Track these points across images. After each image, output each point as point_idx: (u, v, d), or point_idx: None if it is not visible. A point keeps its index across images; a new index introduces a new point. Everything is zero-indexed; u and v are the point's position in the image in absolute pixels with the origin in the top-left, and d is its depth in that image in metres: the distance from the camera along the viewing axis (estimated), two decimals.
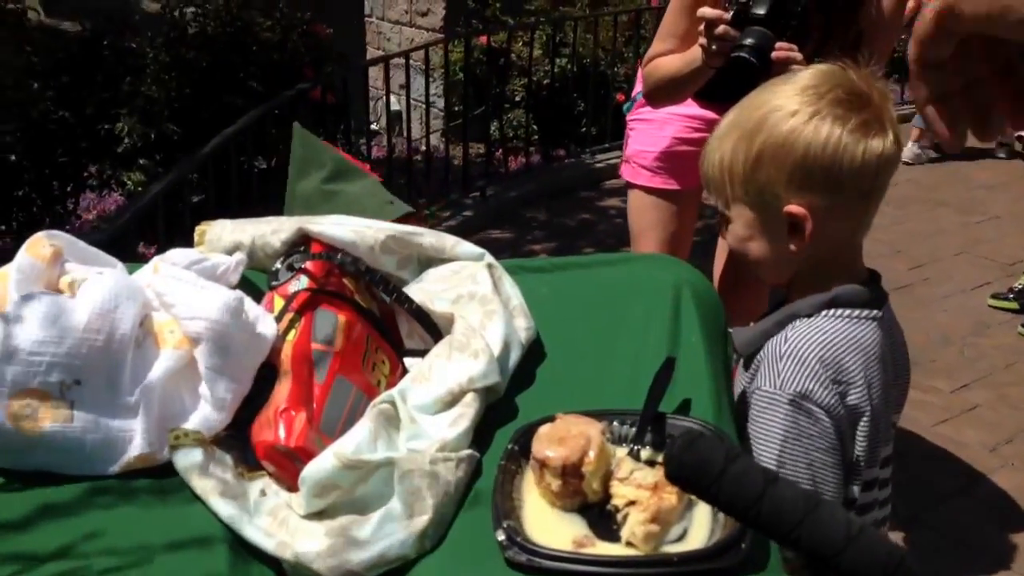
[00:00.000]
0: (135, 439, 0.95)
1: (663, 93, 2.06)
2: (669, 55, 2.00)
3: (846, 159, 1.11)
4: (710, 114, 2.10)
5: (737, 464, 0.64)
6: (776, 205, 1.15)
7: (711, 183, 1.20)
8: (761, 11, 1.75)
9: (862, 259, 1.23)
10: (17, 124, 4.48)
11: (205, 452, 0.94)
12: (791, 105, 1.13)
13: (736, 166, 1.15)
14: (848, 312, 1.17)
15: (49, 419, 0.91)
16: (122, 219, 2.47)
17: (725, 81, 1.82)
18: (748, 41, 1.73)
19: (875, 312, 1.19)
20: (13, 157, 4.36)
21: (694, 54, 1.87)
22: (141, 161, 4.49)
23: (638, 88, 2.29)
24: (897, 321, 1.24)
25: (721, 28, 1.75)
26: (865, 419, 1.14)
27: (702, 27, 1.78)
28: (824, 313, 1.16)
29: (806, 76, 1.16)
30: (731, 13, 1.77)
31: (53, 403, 0.92)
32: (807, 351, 1.12)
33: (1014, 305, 3.79)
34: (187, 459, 0.93)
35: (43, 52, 4.64)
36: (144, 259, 1.19)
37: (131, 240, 2.60)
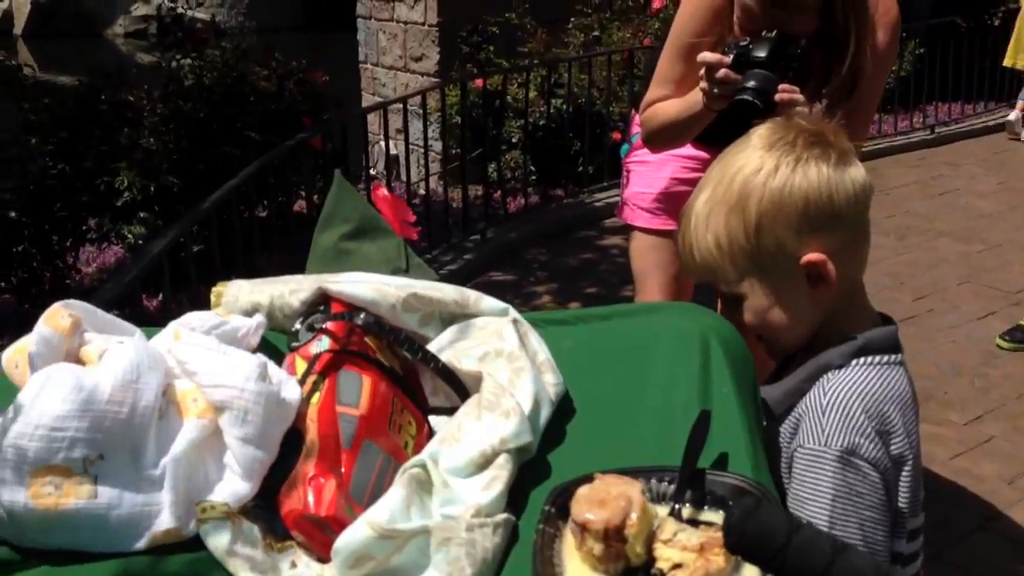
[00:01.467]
0: (161, 513, 0.92)
1: (663, 138, 2.06)
2: (667, 100, 1.99)
3: (842, 194, 1.12)
4: (707, 154, 2.10)
5: (802, 533, 0.62)
6: (790, 264, 1.13)
7: (709, 269, 1.16)
8: (762, 54, 1.76)
9: (869, 302, 1.22)
10: (16, 181, 4.48)
11: (233, 525, 0.91)
12: (770, 162, 1.12)
13: (737, 241, 1.13)
14: (879, 359, 1.15)
15: (73, 496, 0.89)
16: (128, 277, 2.45)
17: (726, 124, 1.81)
18: (751, 84, 1.74)
19: (900, 356, 1.18)
20: (13, 214, 4.35)
21: (694, 98, 1.87)
22: (141, 214, 4.48)
23: (634, 130, 2.29)
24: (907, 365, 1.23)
25: (722, 72, 1.75)
26: (907, 468, 1.12)
27: (703, 71, 1.78)
28: (856, 363, 1.14)
29: (764, 134, 1.16)
30: (731, 56, 1.77)
31: (77, 479, 0.89)
32: (850, 404, 1.10)
33: None
34: (215, 533, 0.90)
35: (40, 108, 4.65)
36: (148, 312, 1.16)
37: (137, 295, 2.58)
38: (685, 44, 1.94)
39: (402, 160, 5.38)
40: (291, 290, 1.17)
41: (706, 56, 1.77)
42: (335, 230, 1.33)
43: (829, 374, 1.14)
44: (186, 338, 1.02)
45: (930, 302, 4.29)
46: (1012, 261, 4.72)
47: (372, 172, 6.13)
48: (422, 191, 5.41)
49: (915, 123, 7.16)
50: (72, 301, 1.02)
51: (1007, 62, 3.71)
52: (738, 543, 0.63)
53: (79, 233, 4.70)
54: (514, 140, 6.00)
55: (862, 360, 1.14)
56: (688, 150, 2.16)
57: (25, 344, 0.96)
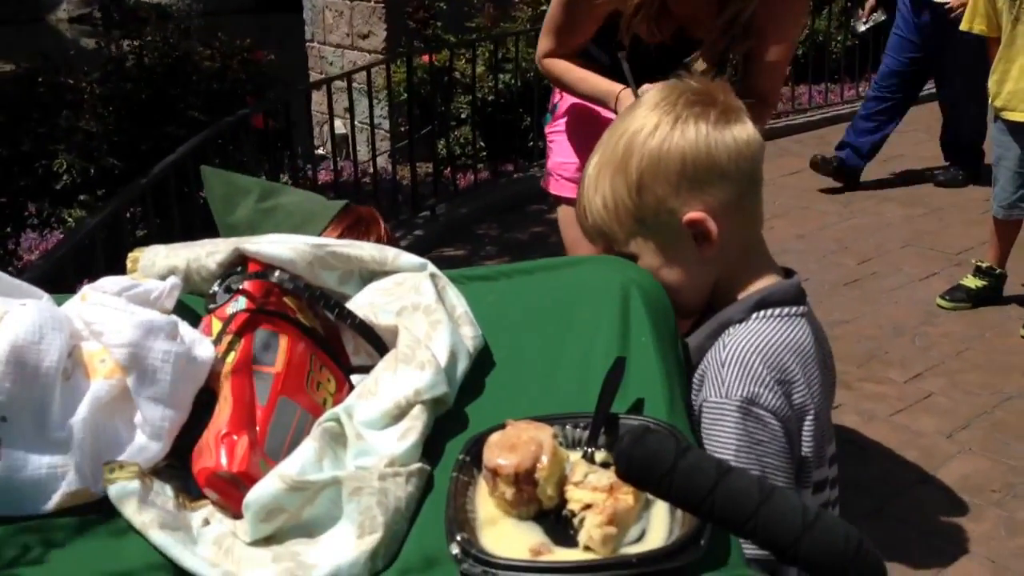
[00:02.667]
0: (68, 475, 0.90)
1: (566, 91, 2.20)
2: (573, 67, 2.10)
3: (721, 150, 1.13)
4: None
5: (688, 457, 0.62)
6: (674, 221, 1.15)
7: (601, 231, 1.19)
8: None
9: (770, 255, 1.24)
10: None
11: (143, 484, 0.90)
12: (651, 121, 1.14)
13: (621, 200, 1.15)
14: (779, 311, 1.17)
15: None
16: (58, 254, 2.40)
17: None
18: None
19: (803, 308, 1.19)
20: None
21: (607, 89, 2.01)
22: (82, 197, 4.40)
23: (555, 99, 2.29)
24: (815, 316, 1.25)
25: None
26: (810, 418, 1.13)
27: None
28: (756, 315, 1.16)
29: (651, 95, 1.18)
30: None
31: None
32: (749, 355, 1.12)
33: (968, 305, 3.84)
34: (124, 493, 0.89)
35: None
36: None
37: (69, 277, 2.53)
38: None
39: (350, 139, 5.34)
40: (207, 252, 1.16)
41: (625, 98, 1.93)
42: (245, 203, 1.33)
43: (730, 329, 1.16)
44: (92, 299, 1.00)
45: (874, 265, 4.36)
46: (953, 223, 4.80)
47: (320, 151, 6.08)
48: (371, 169, 5.38)
49: (862, 91, 7.23)
50: None
51: (963, 26, 3.76)
52: (626, 468, 0.64)
53: (19, 219, 4.61)
54: (463, 116, 5.98)
55: (762, 313, 1.16)
56: (604, 112, 2.17)
57: None
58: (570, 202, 2.27)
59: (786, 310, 1.17)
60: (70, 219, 4.44)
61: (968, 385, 3.27)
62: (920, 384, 3.30)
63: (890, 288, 4.10)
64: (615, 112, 1.97)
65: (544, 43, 2.13)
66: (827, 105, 7.05)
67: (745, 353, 1.12)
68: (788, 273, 1.24)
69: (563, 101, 2.27)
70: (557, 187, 2.31)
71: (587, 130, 2.24)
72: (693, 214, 1.14)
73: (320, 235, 1.36)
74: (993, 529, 2.54)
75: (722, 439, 1.11)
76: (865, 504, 2.67)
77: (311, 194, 1.41)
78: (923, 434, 3.00)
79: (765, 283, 1.18)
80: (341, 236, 1.38)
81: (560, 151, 2.30)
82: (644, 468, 0.63)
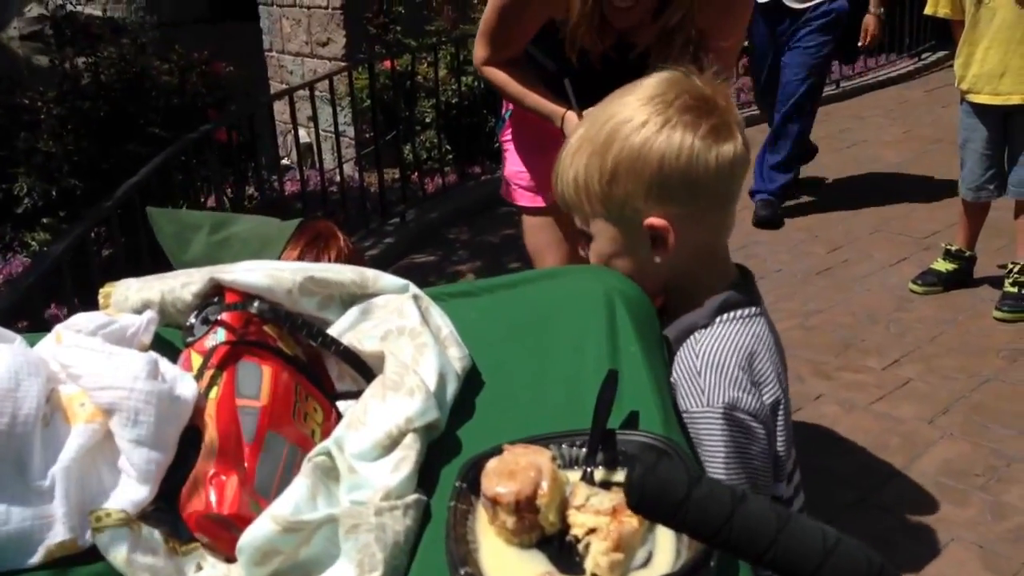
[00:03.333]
0: (54, 526, 0.87)
1: (510, 102, 2.18)
2: (510, 79, 2.08)
3: (700, 166, 1.11)
4: None
5: (702, 486, 0.61)
6: (636, 219, 1.15)
7: (568, 202, 1.19)
8: None
9: (730, 259, 1.25)
10: None
11: (131, 531, 0.87)
12: (640, 116, 1.12)
13: (592, 183, 1.14)
14: (741, 312, 1.18)
15: None
16: (25, 284, 2.35)
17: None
18: None
19: (758, 308, 1.20)
20: None
21: (553, 112, 2.01)
22: (44, 220, 4.33)
23: (507, 107, 2.26)
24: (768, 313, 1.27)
25: None
26: (781, 412, 1.15)
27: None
28: (720, 319, 1.17)
29: (651, 84, 1.15)
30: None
31: None
32: (723, 360, 1.13)
33: (940, 288, 3.87)
34: (113, 542, 0.86)
35: None
36: (54, 323, 1.12)
37: (37, 304, 2.48)
38: (509, 6, 1.98)
39: (314, 148, 5.28)
40: (182, 283, 1.12)
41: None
42: (198, 237, 1.31)
43: (696, 334, 1.16)
44: (68, 340, 0.97)
45: (844, 253, 4.38)
46: (919, 208, 4.84)
47: (285, 162, 6.02)
48: (338, 178, 5.33)
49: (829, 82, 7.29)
50: None
51: (928, 10, 3.78)
52: (638, 501, 0.62)
53: None
54: (427, 120, 5.95)
55: (725, 316, 1.17)
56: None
57: None
58: (529, 211, 2.25)
59: (747, 311, 1.18)
60: (33, 242, 4.37)
61: (945, 369, 3.30)
62: (898, 371, 3.32)
63: (862, 275, 4.13)
64: (562, 132, 1.97)
65: (480, 50, 2.10)
66: None
67: (719, 358, 1.13)
68: (744, 273, 1.25)
69: (515, 108, 2.24)
70: (516, 196, 2.27)
71: (535, 140, 2.21)
72: (655, 220, 1.14)
73: (280, 256, 1.34)
74: (979, 514, 2.56)
75: (710, 449, 1.11)
76: (848, 495, 2.68)
77: (263, 218, 1.39)
78: (904, 421, 3.01)
79: (724, 286, 1.19)
80: (301, 254, 1.36)
81: (514, 160, 2.26)
82: (657, 500, 0.61)
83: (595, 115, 1.17)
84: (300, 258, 1.33)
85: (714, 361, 1.13)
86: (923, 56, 7.82)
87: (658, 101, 1.13)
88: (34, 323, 2.28)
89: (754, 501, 0.62)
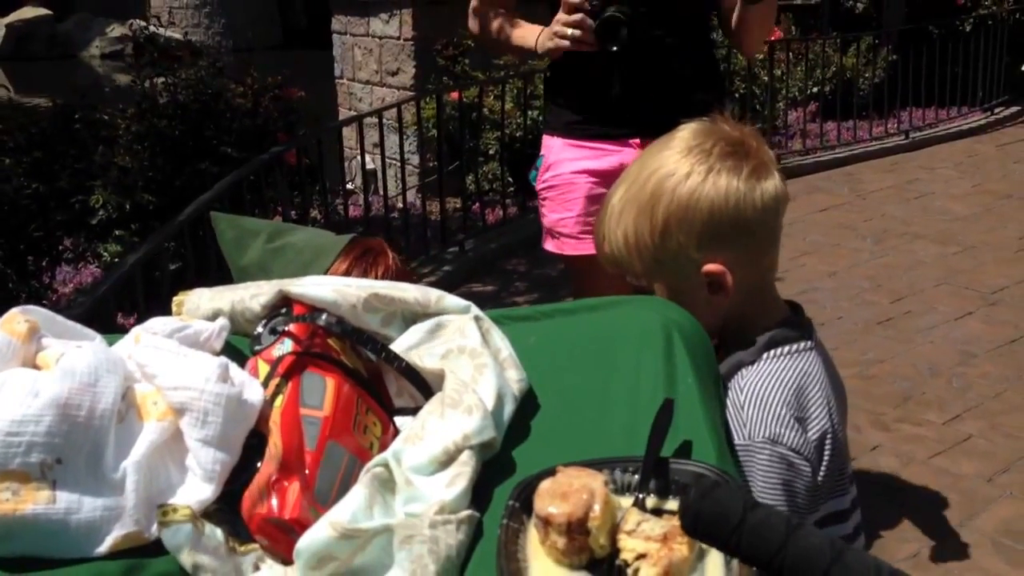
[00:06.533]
0: (122, 517, 0.90)
1: (487, 46, 2.30)
2: (500, 20, 2.17)
3: (749, 208, 1.14)
4: (610, 164, 2.10)
5: (757, 512, 0.61)
6: (691, 269, 1.17)
7: (618, 262, 1.22)
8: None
9: (779, 296, 1.26)
10: None
11: (195, 528, 0.90)
12: (684, 168, 1.15)
13: (644, 240, 1.17)
14: (788, 348, 1.19)
15: (31, 501, 0.87)
16: (99, 291, 2.43)
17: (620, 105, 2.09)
18: (611, 9, 1.93)
19: (809, 343, 1.21)
20: None
21: (527, 40, 2.11)
22: (117, 232, 4.46)
23: (541, 151, 2.25)
24: (823, 346, 1.28)
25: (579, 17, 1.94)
26: (828, 443, 1.15)
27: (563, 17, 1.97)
28: (767, 355, 1.18)
29: (686, 137, 1.18)
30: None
31: (35, 484, 0.88)
32: (766, 395, 1.14)
33: None
34: (176, 536, 0.89)
35: (15, 128, 4.62)
36: (124, 330, 1.17)
37: (109, 312, 2.56)
38: None
39: (379, 174, 5.38)
40: (252, 294, 1.16)
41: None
42: (255, 244, 1.35)
43: (743, 371, 1.18)
44: (146, 341, 1.01)
45: (907, 304, 4.31)
46: (987, 262, 4.76)
47: (350, 186, 6.13)
48: (400, 204, 5.41)
49: (890, 128, 7.22)
50: (30, 307, 1.01)
51: None
52: (693, 524, 0.63)
53: (55, 253, 4.67)
54: (491, 152, 6.02)
55: (772, 352, 1.18)
56: (593, 161, 2.14)
57: None
58: (575, 260, 2.19)
59: (795, 347, 1.19)
60: (105, 253, 4.50)
61: (1008, 427, 3.22)
62: (959, 426, 3.25)
63: (925, 327, 4.06)
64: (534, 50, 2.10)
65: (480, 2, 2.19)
66: (855, 142, 7.03)
67: (762, 394, 1.15)
68: (795, 309, 1.26)
69: (547, 155, 2.22)
70: (560, 246, 2.22)
71: (572, 195, 2.18)
72: (712, 267, 1.16)
73: (329, 268, 1.39)
74: None
75: (750, 481, 1.12)
76: (904, 549, 2.63)
77: (319, 231, 1.44)
78: (963, 477, 2.95)
79: (775, 322, 1.21)
80: (350, 268, 1.41)
81: (553, 207, 2.21)
82: (712, 524, 0.62)
83: (634, 173, 1.20)
84: (348, 271, 1.38)
85: (757, 396, 1.15)
86: (996, 110, 7.69)
87: (697, 151, 1.16)
88: (105, 330, 2.34)
89: (808, 530, 0.62)
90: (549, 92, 2.30)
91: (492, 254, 5.29)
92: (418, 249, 5.08)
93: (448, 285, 4.85)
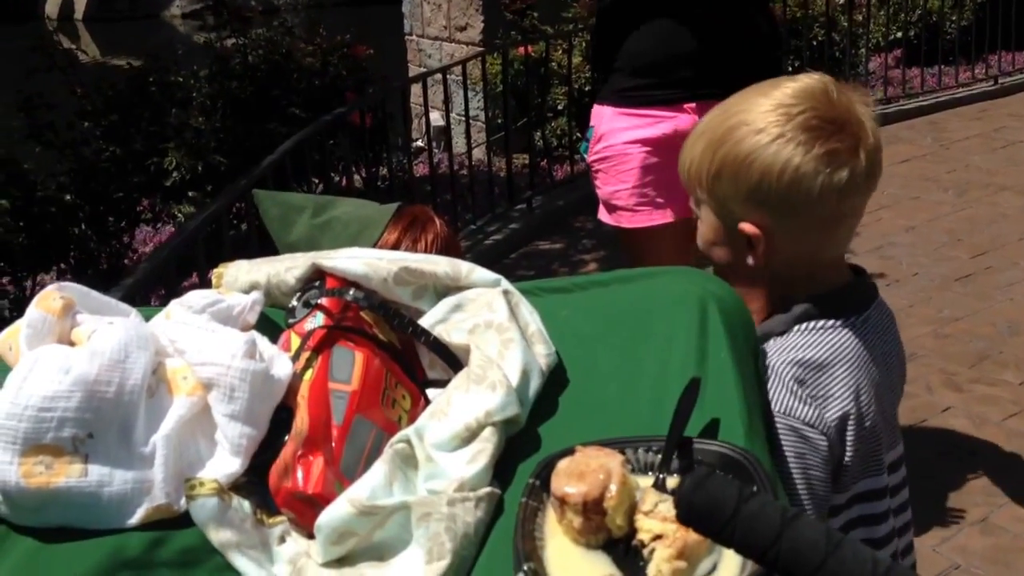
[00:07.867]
0: (152, 490, 0.93)
1: None
2: None
3: (803, 189, 1.09)
4: (663, 132, 2.03)
5: (752, 504, 0.60)
6: (732, 220, 1.15)
7: (685, 181, 1.21)
8: None
9: (841, 270, 1.21)
10: (71, 164, 4.59)
11: (222, 501, 0.93)
12: (759, 122, 1.11)
13: (701, 173, 1.15)
14: (821, 323, 1.15)
15: (64, 474, 0.91)
16: (162, 254, 2.50)
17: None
18: None
19: (852, 319, 1.16)
20: (68, 197, 4.46)
21: None
22: (190, 193, 4.57)
23: (592, 121, 2.18)
24: (892, 317, 1.23)
25: None
26: (850, 429, 1.12)
27: None
28: (797, 328, 1.16)
29: (787, 92, 1.12)
30: None
31: (67, 458, 0.91)
32: (783, 369, 1.12)
33: None
34: (204, 509, 0.92)
35: (93, 91, 4.75)
36: (186, 292, 1.20)
37: (173, 274, 2.64)
38: None
39: (446, 131, 5.38)
40: (287, 267, 1.18)
41: None
42: (301, 220, 1.36)
43: (769, 342, 1.16)
44: (176, 316, 1.03)
45: (988, 259, 4.16)
46: None
47: (419, 143, 6.15)
48: (467, 162, 5.41)
49: (977, 74, 6.91)
50: (66, 283, 1.04)
51: None
52: (687, 515, 0.62)
53: (133, 214, 4.81)
54: (559, 107, 5.95)
55: (803, 326, 1.15)
56: (647, 129, 2.07)
57: (19, 327, 0.98)
58: (629, 234, 2.15)
59: (829, 322, 1.15)
60: (180, 214, 4.62)
61: None
62: None
63: (1006, 284, 3.91)
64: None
65: None
66: (940, 89, 6.75)
67: (779, 366, 1.13)
68: (853, 284, 1.20)
69: (598, 125, 2.16)
70: (616, 218, 2.18)
71: (626, 166, 2.12)
72: (748, 226, 1.14)
73: (379, 239, 1.40)
74: None
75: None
76: (974, 513, 2.56)
77: (363, 201, 1.45)
78: None
79: (820, 293, 1.17)
80: (400, 237, 1.41)
81: (607, 179, 2.17)
82: (705, 515, 0.61)
83: (727, 105, 1.17)
84: (398, 241, 1.38)
85: (775, 368, 1.13)
86: None
87: (782, 112, 1.10)
88: (170, 292, 2.42)
89: (805, 523, 0.61)
90: (598, 59, 2.24)
91: (560, 211, 5.26)
92: (485, 206, 5.08)
93: (515, 242, 4.84)
